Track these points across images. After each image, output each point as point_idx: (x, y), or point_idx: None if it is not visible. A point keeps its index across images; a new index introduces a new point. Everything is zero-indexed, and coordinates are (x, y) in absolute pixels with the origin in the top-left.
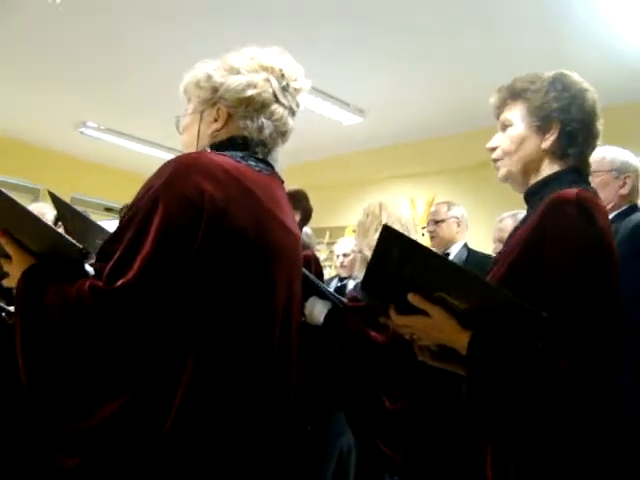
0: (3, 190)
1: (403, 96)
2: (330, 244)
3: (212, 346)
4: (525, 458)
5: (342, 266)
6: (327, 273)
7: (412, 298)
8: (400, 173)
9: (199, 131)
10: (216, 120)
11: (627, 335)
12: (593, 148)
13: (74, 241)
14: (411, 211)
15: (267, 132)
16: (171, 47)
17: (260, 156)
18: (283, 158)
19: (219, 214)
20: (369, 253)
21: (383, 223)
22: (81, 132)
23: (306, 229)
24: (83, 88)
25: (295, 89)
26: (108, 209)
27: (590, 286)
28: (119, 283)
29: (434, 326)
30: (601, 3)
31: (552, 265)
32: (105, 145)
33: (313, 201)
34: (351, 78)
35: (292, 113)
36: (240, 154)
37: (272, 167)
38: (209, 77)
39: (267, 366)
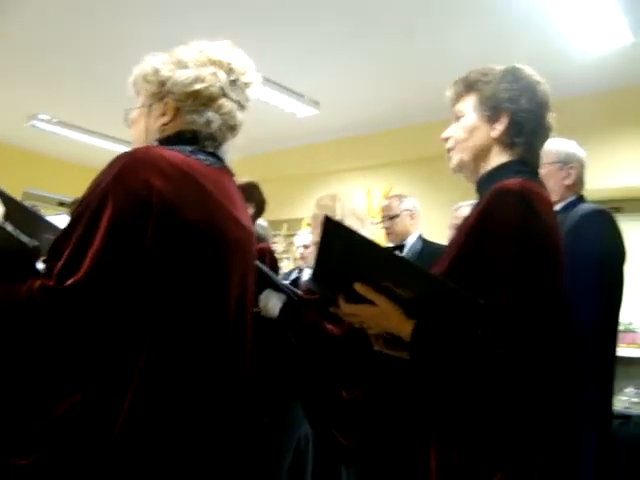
0: None
1: (358, 88)
2: (288, 236)
3: (165, 341)
4: (465, 445)
5: (302, 257)
6: (285, 265)
7: (358, 288)
8: (357, 165)
9: (147, 125)
10: (164, 114)
11: (573, 325)
12: (543, 140)
13: (25, 239)
14: (367, 202)
15: (215, 126)
16: (123, 40)
17: (210, 150)
18: (238, 150)
19: (169, 209)
20: None
21: (336, 215)
22: (33, 125)
23: (262, 221)
24: (34, 81)
25: (244, 83)
26: (62, 203)
27: (528, 275)
28: (69, 282)
29: (380, 315)
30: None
31: (491, 254)
32: (58, 138)
33: (270, 193)
34: (306, 70)
35: (241, 107)
36: (189, 148)
37: (222, 161)
38: (157, 71)
39: (221, 359)
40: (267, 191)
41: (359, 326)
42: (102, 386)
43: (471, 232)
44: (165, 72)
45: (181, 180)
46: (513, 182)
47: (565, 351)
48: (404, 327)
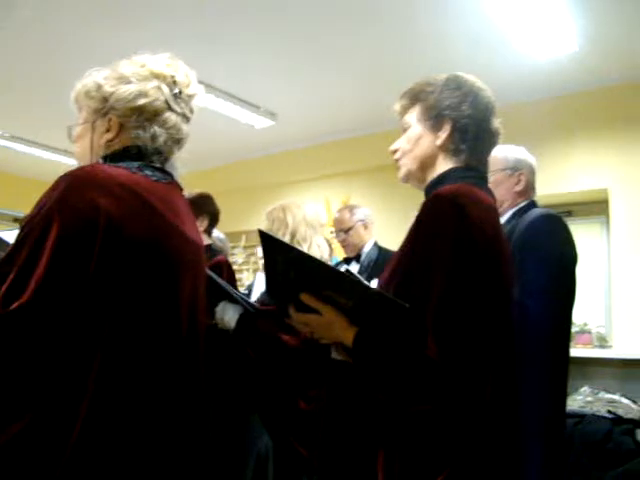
0: None
1: (314, 98)
2: (247, 248)
3: (116, 359)
4: (408, 448)
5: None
6: (245, 277)
7: (304, 298)
8: (314, 175)
9: (92, 142)
10: (108, 130)
11: (526, 327)
12: (490, 145)
13: None
14: (326, 212)
15: (161, 140)
16: (75, 52)
17: (157, 165)
18: (196, 163)
19: (115, 227)
20: None
21: (288, 225)
22: None
23: (219, 234)
24: None
25: (188, 95)
26: (16, 219)
27: (458, 278)
28: (14, 305)
29: (325, 323)
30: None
31: (422, 258)
32: (10, 153)
33: (228, 205)
34: (261, 82)
35: (186, 119)
36: (136, 164)
37: (170, 175)
38: (99, 87)
39: (174, 373)
40: (226, 203)
41: (310, 336)
42: (52, 407)
43: (408, 238)
44: (107, 88)
45: (127, 198)
46: (447, 188)
47: (511, 352)
48: (347, 335)
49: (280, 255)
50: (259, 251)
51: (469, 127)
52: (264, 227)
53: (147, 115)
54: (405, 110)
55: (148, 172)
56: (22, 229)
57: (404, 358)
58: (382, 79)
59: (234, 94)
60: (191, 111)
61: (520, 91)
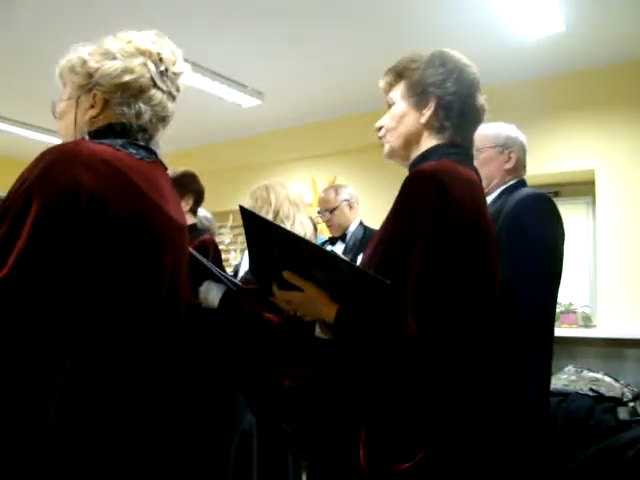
0: None
1: (301, 77)
2: (234, 227)
3: (95, 337)
4: (388, 425)
5: None
6: (232, 257)
7: (286, 275)
8: (301, 155)
9: (76, 118)
10: (92, 106)
11: (510, 306)
12: (476, 121)
13: None
14: (313, 192)
15: (146, 117)
16: (45, 27)
17: (141, 143)
18: (183, 142)
19: (97, 205)
20: None
21: (271, 204)
22: None
23: (206, 213)
24: None
25: (174, 73)
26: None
27: (438, 252)
28: None
29: (308, 301)
30: None
31: (402, 232)
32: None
33: (215, 185)
34: (248, 60)
35: (172, 97)
36: (120, 142)
37: (155, 154)
38: (84, 62)
39: (154, 352)
40: (212, 183)
41: (293, 314)
42: (28, 386)
43: (389, 215)
44: (92, 63)
45: (109, 175)
46: (429, 165)
47: (494, 329)
48: (329, 312)
49: (262, 232)
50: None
51: (454, 104)
52: (248, 205)
53: (132, 92)
54: (390, 87)
55: (132, 150)
56: (3, 203)
57: (384, 335)
58: (367, 58)
59: (221, 73)
60: (177, 89)
61: (507, 71)
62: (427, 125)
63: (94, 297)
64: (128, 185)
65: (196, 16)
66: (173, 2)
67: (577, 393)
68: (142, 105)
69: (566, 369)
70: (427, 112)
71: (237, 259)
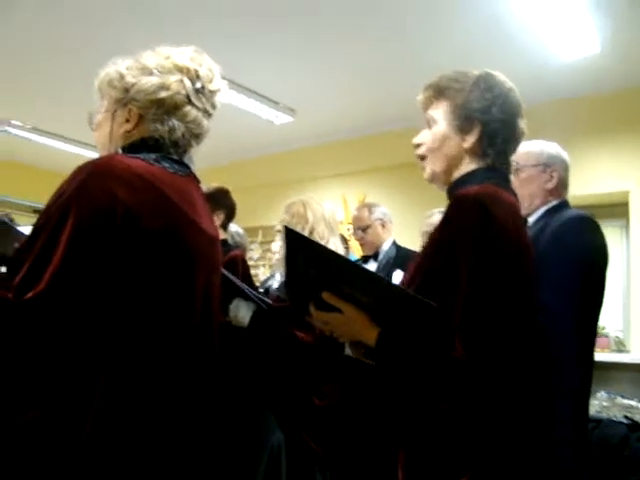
0: None
1: (333, 95)
2: (263, 243)
3: (130, 353)
4: (431, 449)
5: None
6: (261, 272)
7: (325, 296)
8: (332, 172)
9: (112, 131)
10: (127, 121)
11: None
12: (515, 146)
13: None
14: (344, 209)
15: (179, 134)
16: (94, 46)
17: (175, 157)
18: (215, 158)
19: (132, 219)
20: None
21: (308, 221)
22: (5, 131)
23: (237, 229)
24: (7, 85)
25: (211, 91)
26: (37, 211)
27: (485, 278)
28: (28, 295)
29: (346, 322)
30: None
31: (449, 259)
32: (30, 145)
33: (246, 200)
34: (281, 78)
35: (207, 115)
36: (153, 156)
37: (188, 168)
38: (122, 77)
39: (187, 366)
40: (243, 198)
41: (329, 334)
42: (65, 398)
43: (433, 239)
44: (129, 78)
45: (144, 189)
46: (471, 189)
47: (539, 352)
48: (369, 334)
49: (303, 251)
50: (274, 246)
51: (498, 132)
52: (283, 220)
53: (166, 108)
54: (430, 102)
55: (166, 164)
56: (39, 218)
57: (430, 359)
58: (399, 77)
59: (254, 89)
60: (213, 106)
61: (542, 91)
62: (469, 150)
63: (128, 311)
64: (162, 199)
65: (230, 33)
66: (207, 19)
67: (610, 420)
68: (176, 122)
69: (598, 394)
70: (471, 138)
71: (266, 274)
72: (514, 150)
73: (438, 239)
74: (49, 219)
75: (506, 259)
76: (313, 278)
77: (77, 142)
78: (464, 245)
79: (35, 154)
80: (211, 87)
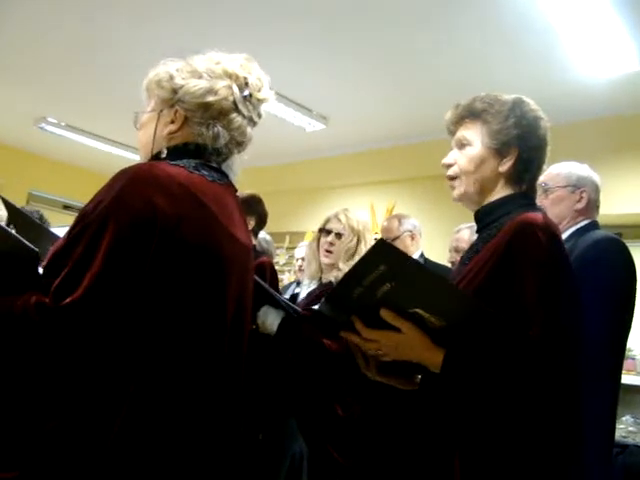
0: None
1: (365, 105)
2: (290, 249)
3: (159, 362)
4: (494, 462)
5: (301, 270)
6: (287, 278)
7: (385, 314)
8: (361, 181)
9: (156, 130)
10: (172, 122)
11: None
12: (541, 173)
13: (31, 245)
14: (371, 218)
15: (222, 141)
16: (137, 45)
17: (214, 164)
18: (245, 161)
19: (171, 230)
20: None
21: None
22: (41, 128)
23: (265, 235)
24: (43, 83)
25: (258, 99)
26: (67, 207)
27: (560, 308)
28: (66, 301)
29: (405, 343)
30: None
31: (526, 286)
32: (65, 142)
33: (274, 206)
34: (315, 84)
35: (252, 123)
36: (194, 163)
37: (226, 176)
38: (171, 77)
39: (217, 376)
40: (271, 203)
41: (372, 353)
42: (94, 405)
43: (495, 264)
44: (179, 80)
45: (183, 198)
46: (537, 217)
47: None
48: (432, 356)
49: (387, 267)
50: (297, 252)
51: (534, 158)
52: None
53: (212, 113)
54: (460, 122)
55: (205, 172)
56: (78, 222)
57: (503, 383)
58: (435, 90)
59: (287, 96)
60: (259, 115)
61: (573, 109)
62: (505, 174)
63: (161, 319)
64: (201, 209)
65: (264, 39)
66: (245, 25)
67: (636, 446)
68: (220, 128)
69: (624, 419)
70: (507, 162)
71: (291, 280)
72: (539, 177)
73: (503, 263)
74: (89, 225)
75: (575, 289)
76: (376, 294)
77: (109, 140)
78: (540, 276)
79: (68, 151)
80: (259, 96)
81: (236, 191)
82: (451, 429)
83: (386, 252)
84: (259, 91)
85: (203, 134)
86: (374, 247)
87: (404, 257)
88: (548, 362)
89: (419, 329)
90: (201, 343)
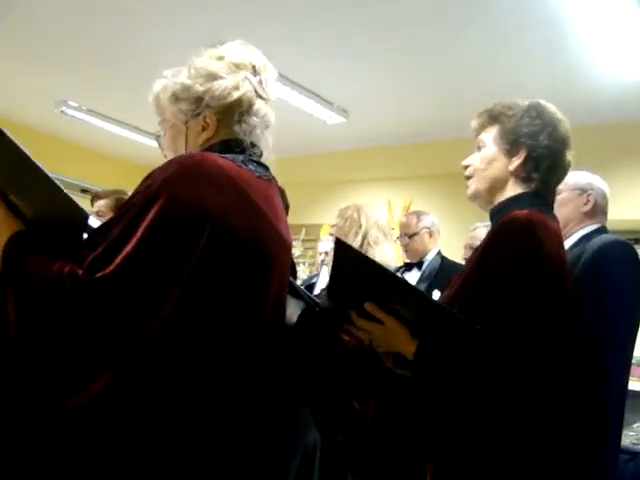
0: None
1: (387, 99)
2: (306, 241)
3: (197, 350)
4: (462, 463)
5: (324, 264)
6: (301, 270)
7: (368, 307)
8: (379, 175)
9: (187, 144)
10: (204, 129)
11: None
12: (561, 177)
13: (82, 207)
14: (388, 214)
15: (257, 131)
16: (161, 31)
17: (256, 158)
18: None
19: (215, 222)
20: None
21: (360, 226)
22: (61, 111)
23: None
24: (66, 66)
25: (266, 79)
26: (84, 190)
27: (529, 301)
28: (98, 275)
29: (387, 334)
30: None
31: (494, 279)
32: (85, 126)
33: (291, 197)
34: (336, 78)
35: (269, 103)
36: (241, 158)
37: (269, 171)
38: (188, 88)
39: (252, 371)
40: (289, 195)
41: (367, 343)
42: (124, 385)
43: (477, 260)
44: (198, 87)
45: (231, 192)
46: (521, 212)
47: (577, 375)
48: (407, 347)
49: (351, 262)
50: (321, 246)
51: (544, 158)
52: (337, 224)
53: (243, 107)
54: (482, 128)
55: (252, 167)
56: (126, 202)
57: (466, 375)
58: (456, 88)
59: (309, 88)
60: (270, 94)
61: (592, 113)
62: (514, 173)
63: (199, 311)
64: (248, 204)
65: (289, 31)
66: (267, 17)
67: None
68: (254, 118)
69: (635, 425)
70: (517, 161)
71: (306, 272)
72: (559, 180)
73: (483, 259)
74: (132, 206)
75: (549, 286)
76: (358, 289)
77: (129, 126)
78: (511, 268)
79: (89, 136)
80: (267, 76)
81: (278, 186)
82: (426, 424)
83: (344, 251)
84: (265, 72)
85: (239, 130)
86: (335, 246)
87: (359, 255)
88: (511, 360)
89: (398, 322)
90: (240, 337)
